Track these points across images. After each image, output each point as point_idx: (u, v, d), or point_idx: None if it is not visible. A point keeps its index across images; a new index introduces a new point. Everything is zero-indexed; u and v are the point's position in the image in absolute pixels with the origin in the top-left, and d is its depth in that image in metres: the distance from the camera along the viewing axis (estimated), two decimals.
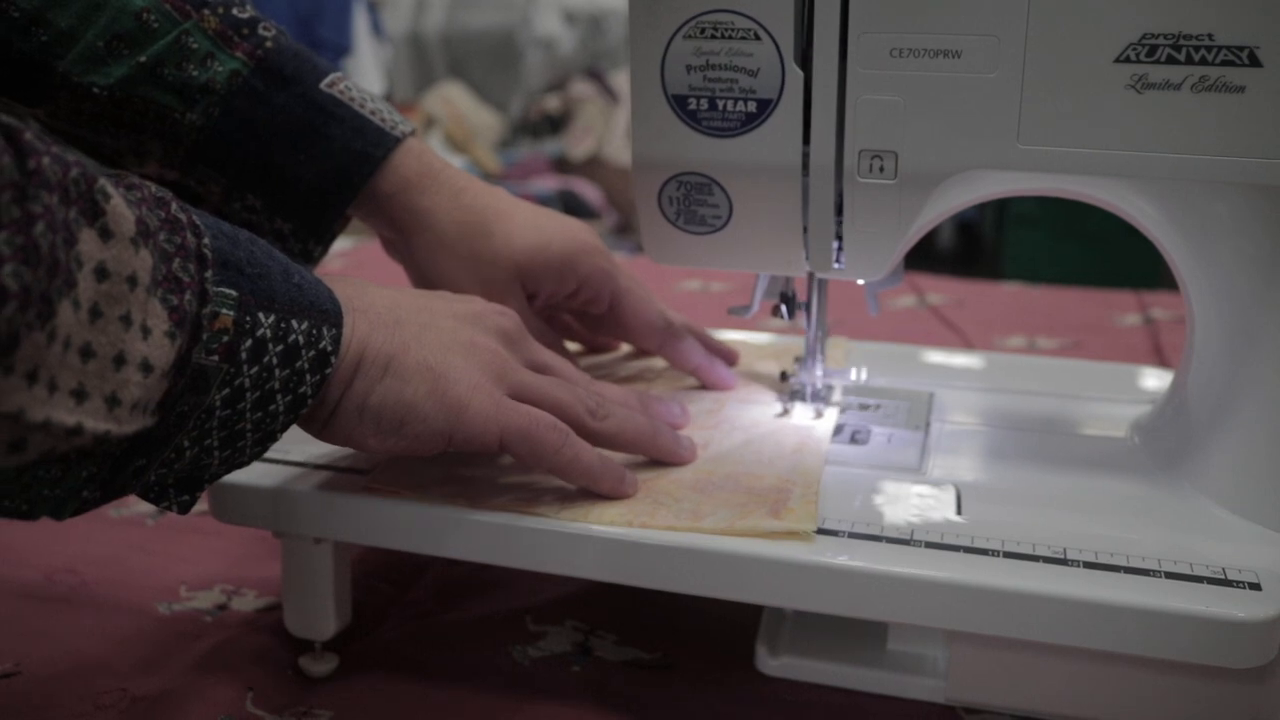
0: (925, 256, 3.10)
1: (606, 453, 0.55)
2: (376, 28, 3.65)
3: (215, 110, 0.58)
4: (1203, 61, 0.48)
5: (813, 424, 0.62)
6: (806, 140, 0.54)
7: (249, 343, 0.43)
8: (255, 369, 0.44)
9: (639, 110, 0.56)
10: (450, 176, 0.63)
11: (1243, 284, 0.53)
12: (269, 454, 0.56)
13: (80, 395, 0.38)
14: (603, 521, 0.52)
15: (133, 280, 0.39)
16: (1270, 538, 0.51)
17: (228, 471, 0.47)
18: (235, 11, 0.60)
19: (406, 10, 4.04)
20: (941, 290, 1.23)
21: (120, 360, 0.39)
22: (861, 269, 0.57)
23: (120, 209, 0.39)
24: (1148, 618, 0.46)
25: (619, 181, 3.50)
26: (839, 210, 0.56)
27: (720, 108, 0.55)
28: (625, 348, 0.73)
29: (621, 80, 3.66)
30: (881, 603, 0.49)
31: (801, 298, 0.63)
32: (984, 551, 0.49)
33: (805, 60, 0.53)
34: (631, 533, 0.51)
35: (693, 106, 0.55)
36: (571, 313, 0.70)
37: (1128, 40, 0.48)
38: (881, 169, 0.53)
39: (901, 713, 0.55)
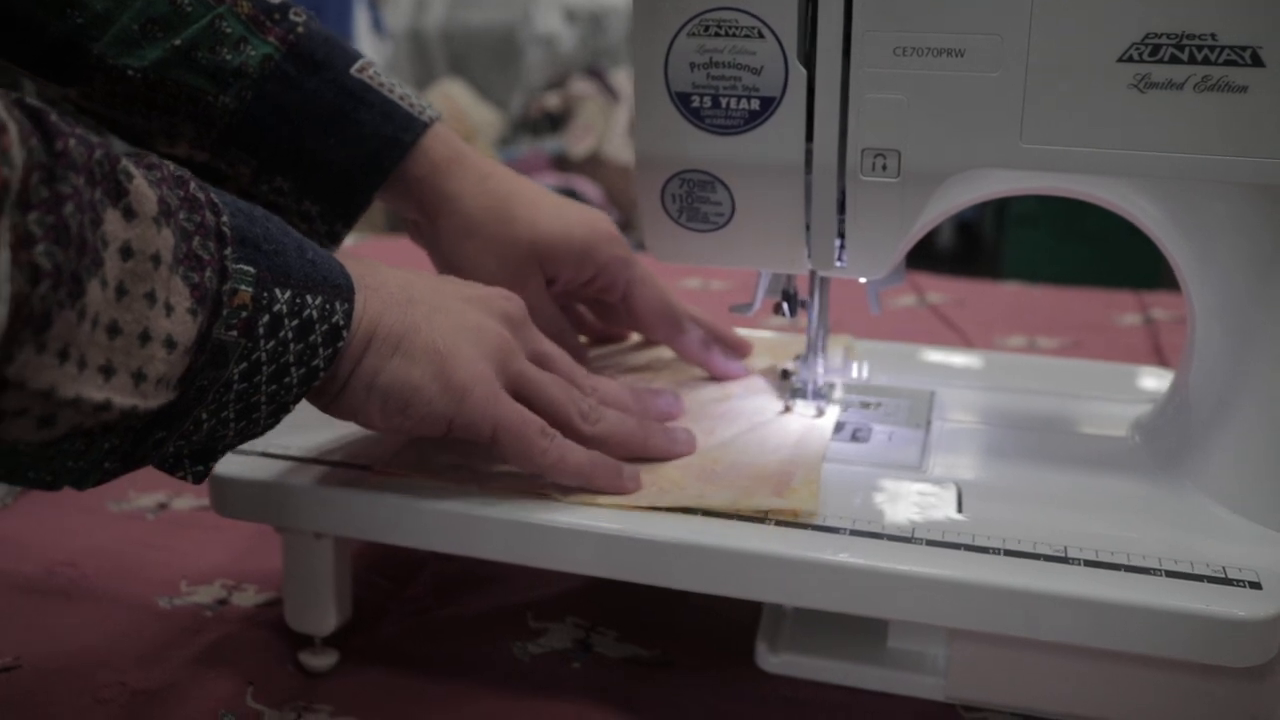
0: (926, 256, 3.10)
1: (617, 420, 0.56)
2: (377, 24, 3.64)
3: (248, 94, 0.59)
4: (1205, 61, 0.48)
5: (814, 421, 0.62)
6: (809, 138, 0.54)
7: (266, 318, 0.44)
8: (272, 343, 0.45)
9: (642, 107, 0.56)
10: (476, 162, 0.64)
11: (1243, 283, 0.53)
12: (270, 449, 0.57)
13: (108, 372, 0.39)
14: (610, 506, 0.52)
15: (156, 259, 0.40)
16: (1270, 537, 0.51)
17: (241, 442, 0.48)
18: None
19: (407, 7, 4.03)
20: (942, 290, 1.23)
21: (145, 337, 0.40)
22: (863, 267, 0.57)
23: (143, 189, 0.40)
24: (1148, 616, 0.46)
25: (619, 179, 3.50)
26: (841, 208, 0.56)
27: (723, 105, 0.55)
28: (635, 337, 0.74)
29: (622, 78, 3.66)
30: (882, 600, 0.49)
31: (803, 296, 0.63)
32: (985, 549, 0.49)
33: (809, 58, 0.53)
34: (632, 529, 0.51)
35: (696, 104, 0.55)
36: (585, 301, 0.71)
37: (1130, 40, 0.48)
38: (884, 167, 0.53)
39: (901, 710, 0.55)
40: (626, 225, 3.39)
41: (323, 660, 0.58)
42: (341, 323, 0.47)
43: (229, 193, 0.59)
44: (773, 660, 0.57)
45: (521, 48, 3.94)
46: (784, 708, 0.56)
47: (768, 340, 0.75)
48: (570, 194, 3.46)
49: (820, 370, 0.64)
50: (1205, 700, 0.50)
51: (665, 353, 0.71)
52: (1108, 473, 0.57)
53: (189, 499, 0.76)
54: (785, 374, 0.67)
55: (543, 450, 0.52)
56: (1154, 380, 0.70)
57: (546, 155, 3.69)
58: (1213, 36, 0.47)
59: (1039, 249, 3.01)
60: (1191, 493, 0.55)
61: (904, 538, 0.50)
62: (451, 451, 0.57)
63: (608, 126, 3.62)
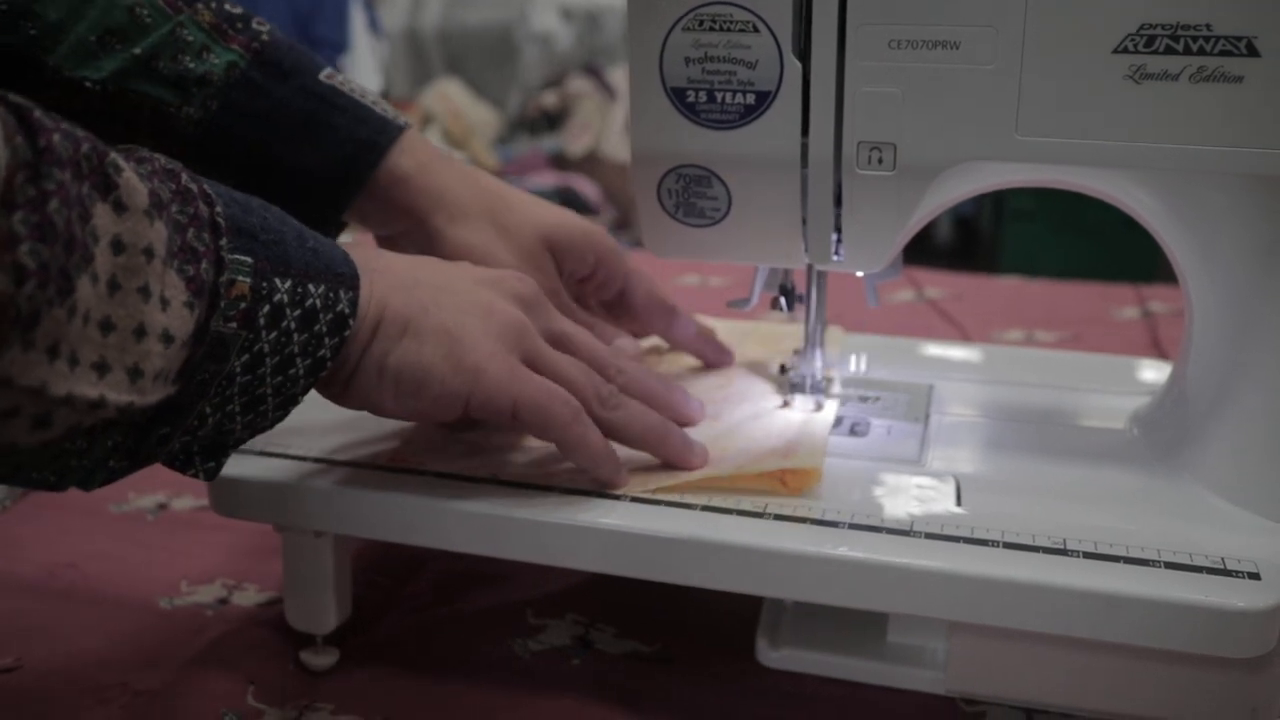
0: (923, 251, 3.10)
1: (638, 411, 0.55)
2: (374, 25, 3.64)
3: (213, 103, 0.58)
4: (1201, 52, 0.48)
5: (814, 415, 0.62)
6: (805, 132, 0.54)
7: (266, 308, 0.44)
8: (274, 334, 0.44)
9: (638, 103, 0.56)
10: (455, 161, 0.64)
11: (1241, 274, 0.53)
12: (270, 448, 0.57)
13: (102, 368, 0.38)
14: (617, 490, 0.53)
15: (149, 252, 0.40)
16: (1269, 528, 0.51)
17: (251, 436, 0.48)
18: (228, 6, 0.60)
19: (403, 7, 4.03)
20: (940, 284, 1.23)
21: (141, 332, 0.39)
22: (861, 261, 0.57)
23: (133, 182, 0.39)
24: (1147, 607, 0.46)
25: (617, 178, 3.50)
26: (838, 202, 0.56)
27: (719, 100, 0.55)
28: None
29: (619, 76, 3.66)
30: (882, 593, 0.49)
31: (800, 290, 0.63)
32: (984, 542, 0.49)
33: (804, 52, 0.53)
34: (632, 525, 0.51)
35: (691, 99, 0.55)
36: (575, 299, 0.70)
37: (1126, 31, 0.48)
38: (880, 160, 0.53)
39: (902, 704, 0.55)
40: (624, 223, 3.39)
41: (324, 659, 0.58)
42: (347, 311, 0.47)
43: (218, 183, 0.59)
44: (773, 655, 0.57)
45: (518, 46, 3.94)
46: (784, 702, 0.56)
47: (766, 330, 0.75)
48: (568, 192, 3.47)
49: (818, 364, 0.64)
50: (1205, 691, 0.50)
51: (660, 344, 0.72)
52: (1106, 465, 0.57)
53: (189, 499, 0.76)
54: (783, 369, 0.67)
55: (566, 423, 0.51)
56: (1152, 373, 0.70)
57: (544, 154, 3.69)
58: (1208, 27, 0.47)
59: (1037, 243, 3.02)
60: (1190, 484, 0.55)
61: (903, 531, 0.50)
62: (464, 441, 0.57)
63: (605, 125, 3.62)
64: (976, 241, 3.62)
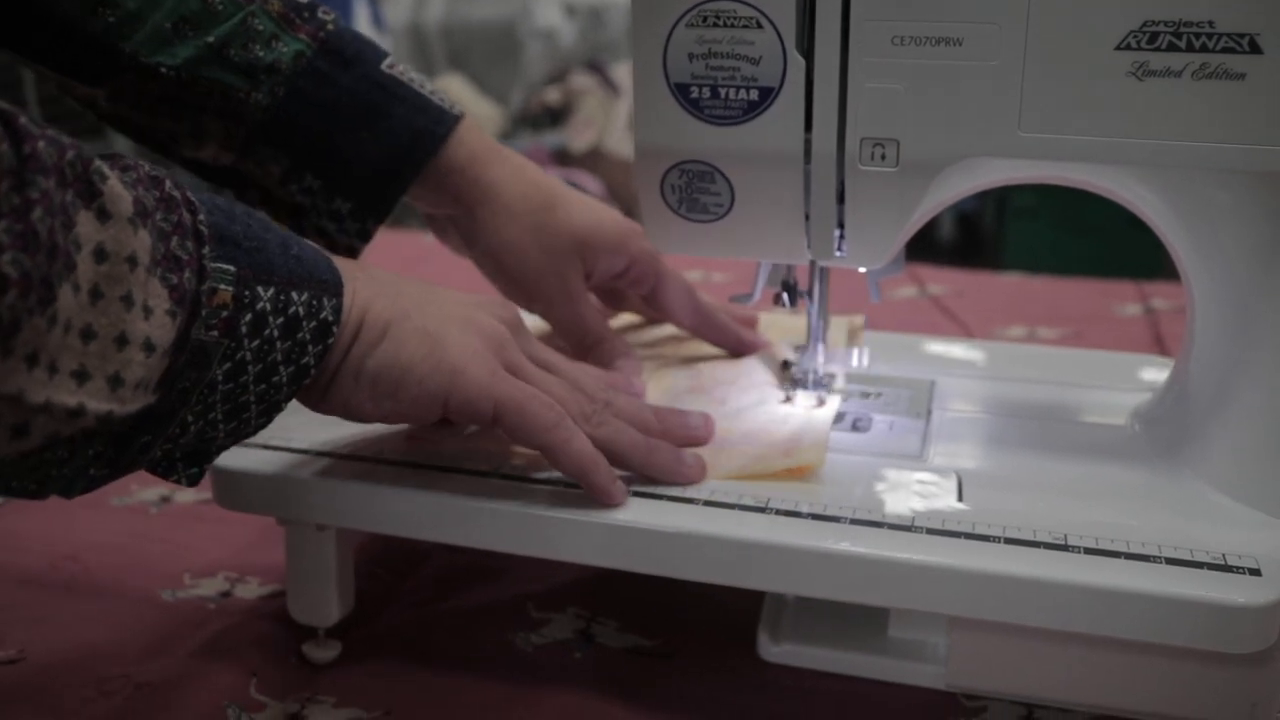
0: (926, 247, 3.09)
1: (621, 429, 0.55)
2: (377, 19, 3.64)
3: (280, 90, 0.59)
4: (1203, 49, 0.48)
5: (816, 411, 0.62)
6: (808, 128, 0.54)
7: (249, 317, 0.44)
8: (256, 342, 0.44)
9: (641, 99, 0.56)
10: (510, 153, 0.65)
11: (1243, 271, 0.53)
12: (272, 441, 0.57)
13: (81, 376, 0.38)
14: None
15: (132, 260, 0.39)
16: (1270, 523, 0.51)
17: (234, 443, 0.48)
18: None
19: (407, 2, 4.03)
20: (942, 281, 1.23)
21: (122, 340, 0.39)
22: (863, 257, 0.57)
23: (117, 189, 0.39)
24: (1148, 603, 0.46)
25: (620, 174, 3.50)
26: (840, 198, 0.56)
27: (722, 96, 0.55)
28: (626, 317, 0.75)
29: (622, 72, 3.66)
30: (883, 589, 0.49)
31: (803, 286, 0.63)
32: (985, 538, 0.49)
33: (807, 48, 0.53)
34: (634, 519, 0.51)
35: (695, 95, 0.55)
36: (608, 291, 0.72)
37: (1128, 27, 0.48)
38: (883, 156, 0.53)
39: (902, 699, 0.55)
40: (628, 219, 3.38)
41: (326, 652, 0.59)
42: (330, 318, 0.47)
43: (253, 196, 0.60)
44: (774, 650, 0.57)
45: (521, 42, 3.94)
46: (785, 697, 0.56)
47: (782, 320, 0.75)
48: (571, 188, 3.48)
49: (820, 360, 0.64)
50: (1205, 687, 0.50)
51: (671, 330, 0.73)
52: (1108, 461, 0.58)
53: (191, 492, 0.76)
54: (786, 365, 0.67)
55: (547, 427, 0.50)
56: (1153, 369, 0.70)
57: (547, 150, 3.68)
58: (1210, 24, 0.47)
59: (1039, 240, 3.01)
60: (1191, 480, 0.55)
61: (905, 526, 0.50)
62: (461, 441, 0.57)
63: (608, 121, 3.62)
64: (979, 238, 3.61)
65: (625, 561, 0.52)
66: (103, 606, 0.63)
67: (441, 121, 0.62)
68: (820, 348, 0.64)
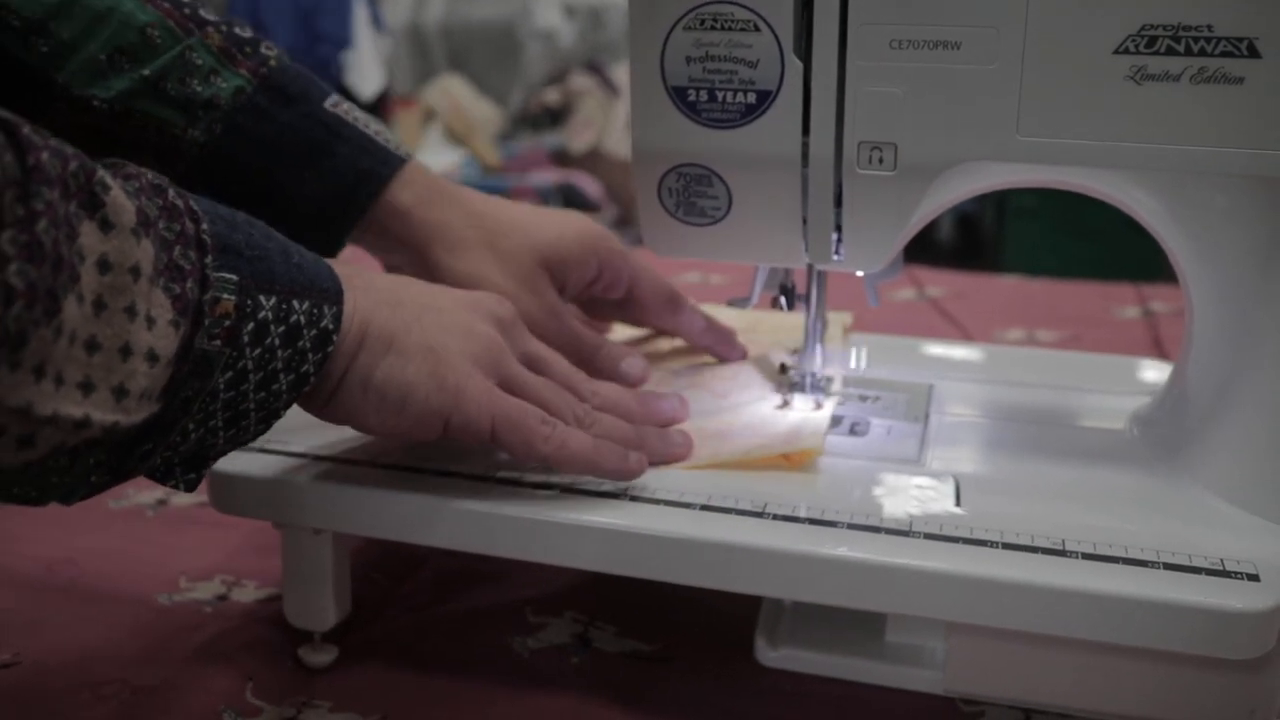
0: (925, 249, 3.09)
1: (612, 424, 0.56)
2: (376, 20, 3.64)
3: (218, 126, 0.58)
4: (1202, 53, 0.48)
5: (813, 414, 0.62)
6: (806, 131, 0.54)
7: (251, 326, 0.44)
8: (258, 351, 0.44)
9: (639, 102, 0.56)
10: (455, 190, 0.64)
11: (1241, 275, 0.53)
12: (269, 445, 0.57)
13: (87, 388, 0.38)
14: None
15: (135, 271, 0.39)
16: (1269, 529, 0.51)
17: (233, 449, 0.48)
18: (237, 30, 0.60)
19: (406, 3, 4.03)
20: (941, 283, 1.23)
21: (126, 351, 0.39)
22: (861, 260, 0.57)
23: (120, 200, 0.39)
24: (1146, 608, 0.46)
25: (619, 174, 3.50)
26: (838, 201, 0.56)
27: (720, 99, 0.54)
28: (617, 328, 0.74)
29: (621, 73, 3.66)
30: (880, 594, 0.49)
31: (801, 289, 0.63)
32: (983, 543, 0.49)
33: (805, 51, 0.53)
34: (631, 524, 0.51)
35: (692, 98, 0.55)
36: (584, 303, 0.71)
37: (1127, 31, 0.48)
38: (881, 160, 0.53)
39: (900, 704, 0.55)
40: (626, 220, 3.39)
41: (322, 656, 0.58)
42: (330, 327, 0.47)
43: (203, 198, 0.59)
44: (771, 655, 0.57)
45: (521, 43, 3.94)
46: (783, 701, 0.56)
47: (775, 320, 0.75)
48: (570, 189, 3.47)
49: (818, 363, 0.64)
50: (1203, 692, 0.50)
51: (665, 342, 0.73)
52: (1106, 466, 0.57)
53: (188, 496, 0.75)
54: (783, 368, 0.67)
55: (544, 438, 0.51)
56: (1152, 373, 0.70)
57: (546, 150, 3.69)
58: (1209, 28, 0.47)
59: (1038, 242, 3.01)
60: (1190, 485, 0.55)
61: (902, 531, 0.50)
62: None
63: (607, 121, 3.62)
64: (978, 240, 3.61)
65: (623, 566, 0.52)
66: (99, 610, 0.63)
67: (387, 162, 0.61)
68: (818, 350, 0.64)
